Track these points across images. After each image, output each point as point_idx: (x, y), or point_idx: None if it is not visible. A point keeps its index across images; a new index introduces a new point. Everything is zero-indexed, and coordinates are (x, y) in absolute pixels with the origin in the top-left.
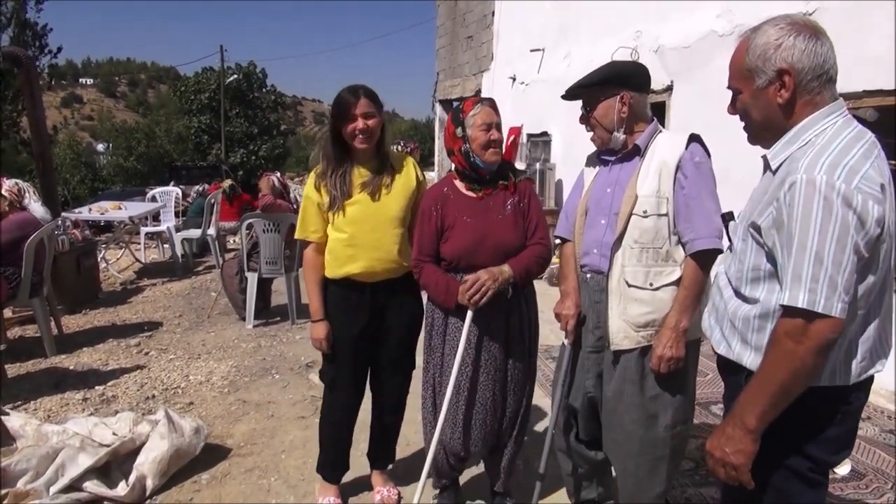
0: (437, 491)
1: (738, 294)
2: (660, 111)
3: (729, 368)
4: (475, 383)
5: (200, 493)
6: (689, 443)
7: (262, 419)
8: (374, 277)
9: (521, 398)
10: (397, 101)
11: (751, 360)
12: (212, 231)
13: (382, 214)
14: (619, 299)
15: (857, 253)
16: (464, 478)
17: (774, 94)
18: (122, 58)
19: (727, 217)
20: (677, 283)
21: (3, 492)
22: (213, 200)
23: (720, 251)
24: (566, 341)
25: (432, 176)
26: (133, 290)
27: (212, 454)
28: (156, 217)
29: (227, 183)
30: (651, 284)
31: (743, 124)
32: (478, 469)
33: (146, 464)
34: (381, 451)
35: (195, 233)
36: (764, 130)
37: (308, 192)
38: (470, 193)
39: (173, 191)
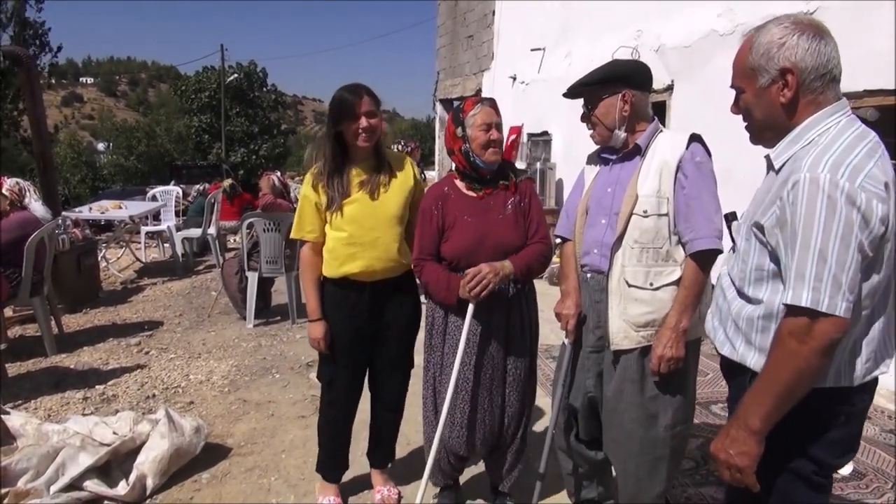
0: (438, 490)
1: (741, 294)
2: (660, 110)
3: (733, 370)
4: (475, 383)
5: (201, 493)
6: (690, 442)
7: (263, 418)
8: (373, 276)
9: (521, 398)
10: (398, 100)
11: (755, 361)
12: (212, 230)
13: (381, 213)
14: (620, 299)
15: (861, 252)
16: (464, 477)
17: (777, 93)
18: (122, 57)
19: (730, 217)
20: (677, 283)
21: (4, 491)
22: (213, 200)
23: (720, 251)
24: (566, 341)
25: (433, 175)
26: (133, 289)
27: (212, 453)
28: (156, 216)
29: (228, 182)
30: (651, 284)
31: (745, 124)
32: (478, 469)
33: (146, 463)
34: (381, 451)
35: (195, 232)
36: (766, 130)
37: (305, 191)
38: (470, 193)
39: (174, 190)
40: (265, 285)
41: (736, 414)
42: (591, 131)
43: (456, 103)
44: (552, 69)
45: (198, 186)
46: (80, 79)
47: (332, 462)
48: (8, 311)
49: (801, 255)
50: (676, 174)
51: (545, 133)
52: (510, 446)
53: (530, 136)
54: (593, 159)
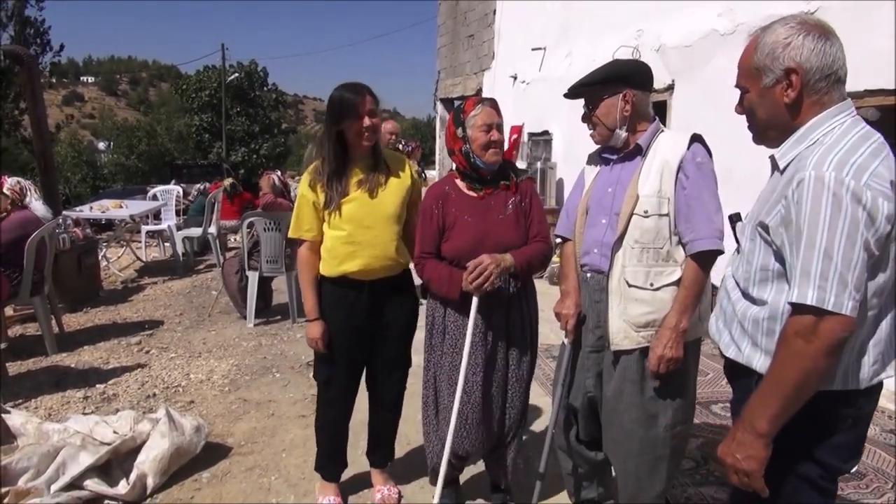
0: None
1: (746, 296)
2: (661, 110)
3: (738, 372)
4: (474, 382)
5: (201, 492)
6: (690, 442)
7: (263, 418)
8: (371, 275)
9: (521, 397)
10: (398, 99)
11: (761, 363)
12: (213, 230)
13: (380, 212)
14: (620, 299)
15: (867, 250)
16: (464, 477)
17: (781, 93)
18: (123, 56)
19: (735, 218)
20: (678, 283)
21: (4, 490)
22: (213, 199)
23: (721, 252)
24: (566, 341)
25: (433, 175)
26: (134, 288)
27: (212, 453)
28: (157, 215)
29: (229, 181)
30: (651, 284)
31: (748, 124)
32: (478, 468)
33: (147, 462)
34: (380, 450)
35: (196, 231)
36: (769, 130)
37: (303, 190)
38: (471, 193)
39: (174, 189)
40: (265, 284)
41: (742, 417)
42: (592, 131)
43: (457, 103)
44: (553, 69)
45: (198, 186)
46: (81, 78)
47: (330, 461)
48: (8, 311)
49: (806, 253)
50: (677, 174)
51: (546, 132)
52: (510, 445)
53: (531, 135)
54: (594, 159)
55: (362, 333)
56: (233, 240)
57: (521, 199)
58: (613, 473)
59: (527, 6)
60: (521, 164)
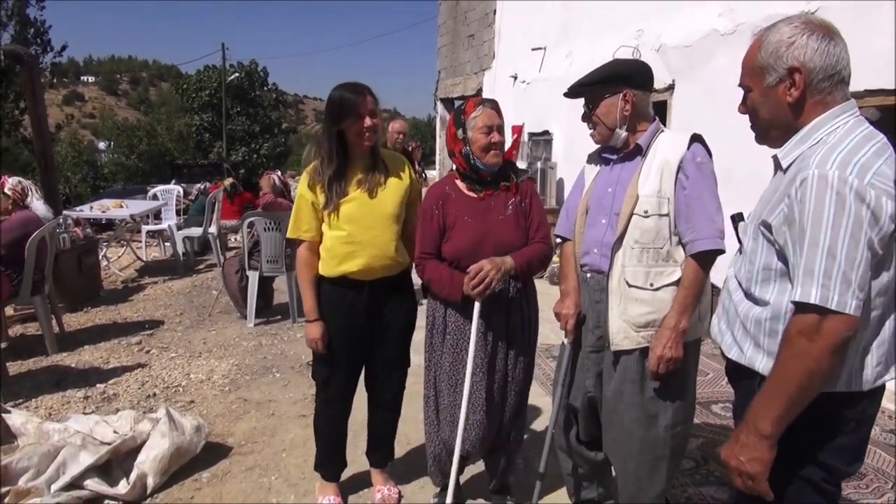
0: (438, 489)
1: (748, 296)
2: (661, 110)
3: (740, 374)
4: (475, 382)
5: (201, 492)
6: (690, 442)
7: (263, 418)
8: (371, 275)
9: (521, 397)
10: (398, 99)
11: (763, 364)
12: (213, 229)
13: (379, 212)
14: (620, 299)
15: (870, 249)
16: (464, 477)
17: (784, 92)
18: (123, 56)
19: (737, 218)
20: (678, 283)
21: (5, 490)
22: (214, 199)
23: (722, 251)
24: (566, 341)
25: (433, 175)
26: (134, 288)
27: (212, 452)
28: (157, 215)
29: (229, 181)
30: (651, 285)
31: (751, 123)
32: (478, 468)
33: (147, 462)
34: (380, 450)
35: (196, 231)
36: (771, 129)
37: (301, 190)
38: (471, 194)
39: (174, 189)
40: (266, 284)
41: (746, 419)
42: (592, 131)
43: (457, 103)
44: (553, 68)
45: (199, 185)
46: (82, 78)
47: (330, 460)
48: (9, 310)
49: (809, 252)
50: (677, 174)
51: (546, 132)
52: (509, 445)
53: (531, 135)
54: (594, 159)
55: (362, 333)
56: (233, 239)
57: (522, 200)
58: (613, 473)
59: (527, 6)
60: (521, 164)
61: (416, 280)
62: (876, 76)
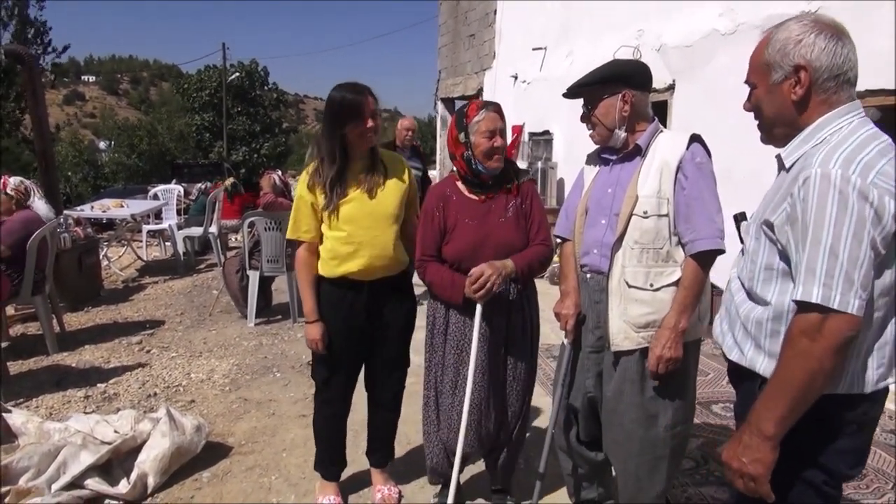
0: (438, 489)
1: (750, 296)
2: (662, 110)
3: (741, 375)
4: (476, 384)
5: (201, 492)
6: (690, 442)
7: (264, 417)
8: (372, 275)
9: (522, 397)
10: (399, 99)
11: (764, 366)
12: (213, 229)
13: (379, 212)
14: (620, 300)
15: (873, 248)
16: (464, 477)
17: (789, 89)
18: (124, 55)
19: (739, 217)
20: (678, 283)
21: (5, 489)
22: (214, 198)
23: (722, 251)
24: (566, 341)
25: (434, 175)
26: (135, 287)
27: (213, 452)
28: (158, 215)
29: (230, 181)
30: (651, 285)
31: (756, 123)
32: (478, 468)
33: (147, 461)
34: (380, 450)
35: (197, 231)
36: (775, 127)
37: (301, 191)
38: (472, 196)
39: (175, 188)
40: (266, 284)
41: (748, 420)
42: (591, 131)
43: (457, 103)
44: (553, 68)
45: (200, 185)
46: (82, 77)
47: (330, 460)
48: (10, 310)
49: (811, 251)
50: (676, 175)
51: (546, 132)
52: (510, 445)
53: (531, 135)
54: (593, 159)
55: (361, 334)
56: (234, 239)
57: (522, 202)
58: (613, 473)
59: (528, 6)
60: (521, 164)
61: (417, 280)
62: (876, 76)
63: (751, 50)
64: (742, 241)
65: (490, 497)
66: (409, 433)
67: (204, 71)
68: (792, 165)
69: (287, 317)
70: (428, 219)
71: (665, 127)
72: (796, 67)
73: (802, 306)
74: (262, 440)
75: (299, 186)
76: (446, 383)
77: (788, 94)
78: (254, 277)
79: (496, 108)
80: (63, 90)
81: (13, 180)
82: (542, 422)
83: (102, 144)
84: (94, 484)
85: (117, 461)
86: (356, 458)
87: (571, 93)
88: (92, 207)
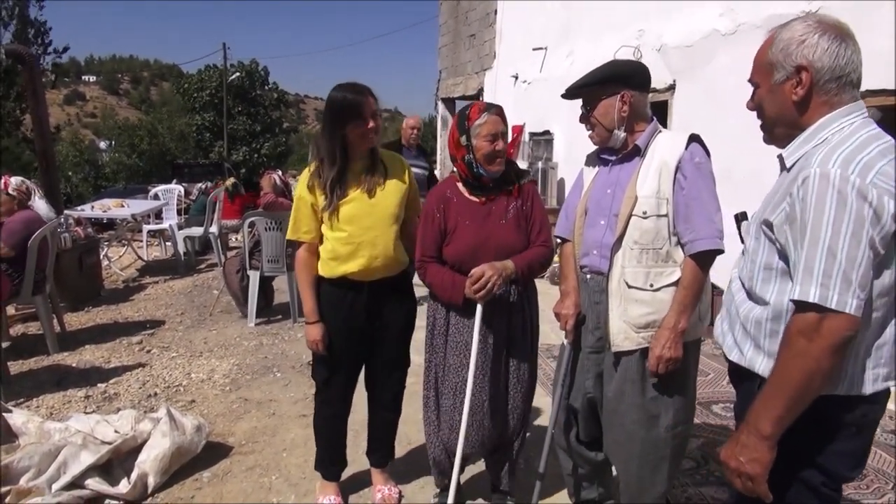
0: (438, 490)
1: (750, 296)
2: (662, 110)
3: (741, 375)
4: (476, 385)
5: (202, 491)
6: (690, 442)
7: (264, 417)
8: (372, 275)
9: (523, 398)
10: (399, 99)
11: (763, 366)
12: (214, 229)
13: (379, 212)
14: (620, 300)
15: (872, 248)
16: (464, 477)
17: (791, 90)
18: (124, 55)
19: (740, 217)
20: (678, 283)
21: (6, 489)
22: (215, 198)
23: (721, 252)
24: (566, 341)
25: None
26: (135, 287)
27: (213, 452)
28: (158, 215)
29: (230, 181)
30: (651, 285)
31: (759, 123)
32: (478, 468)
33: (148, 461)
34: (380, 450)
35: (197, 231)
36: (776, 126)
37: (300, 192)
38: (472, 198)
39: (176, 188)
40: (266, 284)
41: (746, 419)
42: (590, 132)
43: (459, 103)
44: (554, 68)
45: (200, 185)
46: (83, 77)
47: (330, 460)
48: (10, 310)
49: (809, 250)
50: (676, 175)
51: (547, 132)
52: (511, 446)
53: (532, 135)
54: (592, 160)
55: (361, 334)
56: (234, 239)
57: (523, 203)
58: (614, 473)
59: (528, 6)
60: (521, 164)
61: (417, 280)
62: (876, 76)
63: (751, 50)
64: (742, 241)
65: (490, 497)
66: (410, 433)
67: (204, 71)
68: (793, 165)
69: (287, 317)
70: (428, 220)
71: (666, 127)
72: (798, 68)
73: (800, 306)
74: (263, 440)
75: (299, 187)
76: (447, 384)
77: (790, 95)
78: (254, 277)
79: (498, 111)
80: (63, 90)
81: (14, 180)
82: (542, 422)
83: (103, 144)
84: (95, 484)
85: (118, 461)
86: (356, 458)
87: (570, 94)
88: (92, 207)
